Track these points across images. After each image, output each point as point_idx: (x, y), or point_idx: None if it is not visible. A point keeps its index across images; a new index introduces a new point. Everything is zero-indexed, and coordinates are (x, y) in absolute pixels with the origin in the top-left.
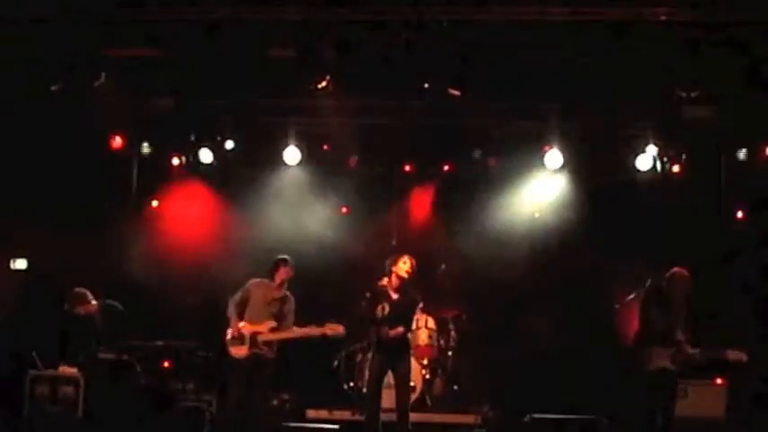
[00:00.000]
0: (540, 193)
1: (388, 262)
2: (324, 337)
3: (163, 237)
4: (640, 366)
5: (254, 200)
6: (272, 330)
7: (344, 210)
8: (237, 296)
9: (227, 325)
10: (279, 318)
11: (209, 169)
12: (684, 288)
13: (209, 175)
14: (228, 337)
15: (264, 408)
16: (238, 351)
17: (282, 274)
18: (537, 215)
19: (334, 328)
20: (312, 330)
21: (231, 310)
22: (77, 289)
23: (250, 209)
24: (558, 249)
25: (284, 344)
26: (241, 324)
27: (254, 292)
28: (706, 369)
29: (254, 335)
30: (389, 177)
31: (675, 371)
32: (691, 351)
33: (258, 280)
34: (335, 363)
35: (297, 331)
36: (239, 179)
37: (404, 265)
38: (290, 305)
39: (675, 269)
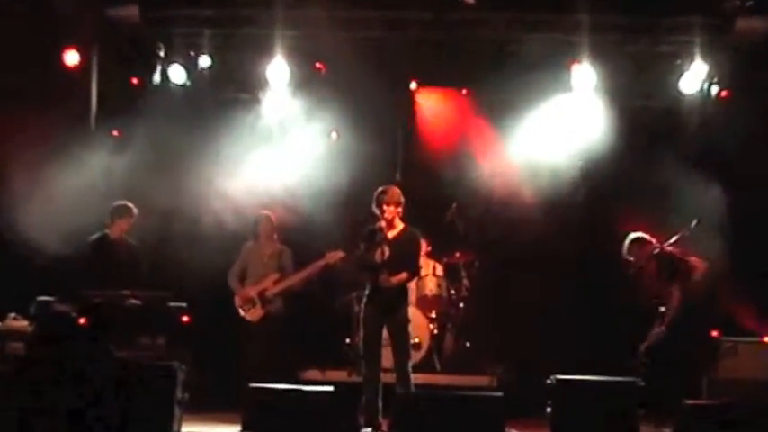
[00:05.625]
0: (568, 119)
1: (373, 202)
2: (327, 268)
3: (127, 172)
4: None
5: (233, 126)
6: (277, 282)
7: (335, 135)
8: (234, 268)
9: (232, 296)
10: (279, 271)
11: (181, 90)
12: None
13: (181, 97)
14: (238, 303)
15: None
16: (254, 314)
17: (265, 227)
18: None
19: (334, 255)
20: (314, 266)
21: (232, 281)
22: (123, 202)
23: (228, 137)
24: (588, 184)
25: (291, 297)
26: (246, 288)
27: (248, 256)
28: None
29: (261, 293)
30: (392, 100)
31: None
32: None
33: (248, 243)
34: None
35: (301, 273)
36: (216, 102)
37: (384, 196)
38: (287, 256)
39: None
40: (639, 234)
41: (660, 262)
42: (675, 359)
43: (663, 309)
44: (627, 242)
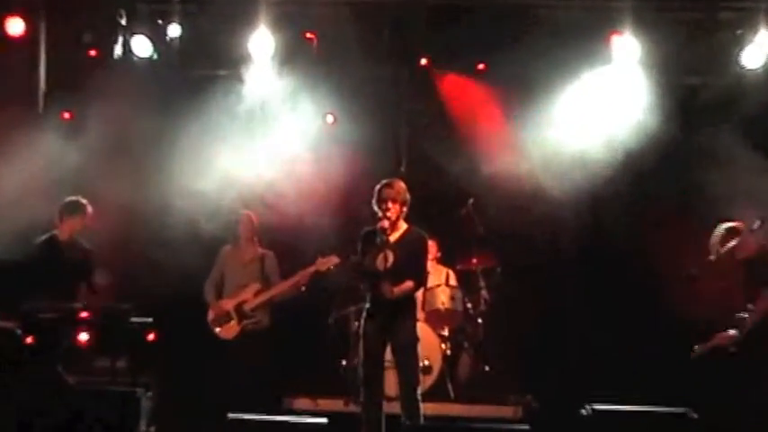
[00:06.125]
0: (606, 100)
1: (374, 198)
2: (318, 275)
3: (81, 161)
4: None
5: (207, 108)
6: (258, 293)
7: (331, 119)
8: (211, 276)
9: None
10: (262, 280)
11: (146, 65)
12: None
13: (146, 72)
14: (210, 318)
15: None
16: (229, 330)
17: (245, 228)
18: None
19: (326, 261)
20: (302, 274)
21: (208, 292)
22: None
23: (202, 120)
24: (628, 174)
25: (277, 310)
26: (222, 300)
27: (225, 262)
28: None
29: (239, 306)
30: (397, 78)
31: None
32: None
33: (226, 247)
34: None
35: (286, 282)
36: (188, 79)
37: (388, 191)
38: (271, 262)
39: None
40: (735, 223)
41: (758, 260)
42: (742, 381)
43: (744, 314)
44: (721, 232)
